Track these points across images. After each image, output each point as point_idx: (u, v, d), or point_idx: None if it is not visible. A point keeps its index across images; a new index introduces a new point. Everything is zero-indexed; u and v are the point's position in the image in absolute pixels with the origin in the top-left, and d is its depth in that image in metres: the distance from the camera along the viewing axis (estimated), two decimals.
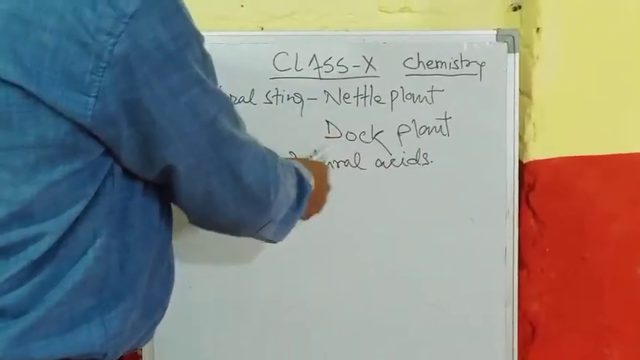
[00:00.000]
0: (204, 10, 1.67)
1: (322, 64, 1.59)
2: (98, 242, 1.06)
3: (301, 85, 1.59)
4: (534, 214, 1.80)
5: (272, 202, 1.20)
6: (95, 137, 1.00)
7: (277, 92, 1.58)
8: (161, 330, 1.55)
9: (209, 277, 1.64)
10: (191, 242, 1.58)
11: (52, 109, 0.96)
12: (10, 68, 0.95)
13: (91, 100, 0.96)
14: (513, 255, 1.69)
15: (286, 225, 1.33)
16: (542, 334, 1.84)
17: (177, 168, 1.07)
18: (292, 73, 1.58)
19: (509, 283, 1.69)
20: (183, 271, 1.55)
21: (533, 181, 1.78)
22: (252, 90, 1.57)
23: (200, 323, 1.65)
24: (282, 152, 1.54)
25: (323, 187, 1.54)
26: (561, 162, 1.79)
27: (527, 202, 1.79)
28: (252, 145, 1.17)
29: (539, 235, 1.81)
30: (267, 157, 1.20)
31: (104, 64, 0.95)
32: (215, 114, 1.07)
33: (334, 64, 1.60)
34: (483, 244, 1.67)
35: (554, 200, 1.80)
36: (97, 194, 1.04)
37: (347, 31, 1.72)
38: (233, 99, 1.56)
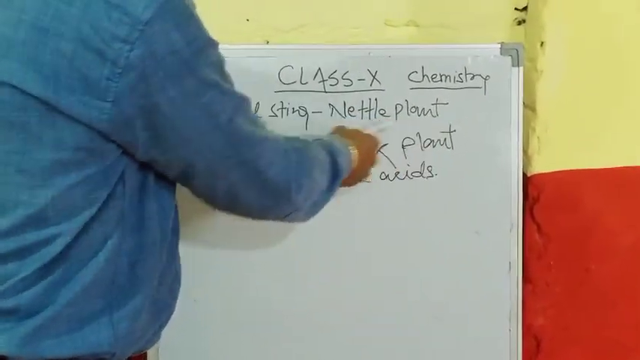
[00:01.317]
0: (209, 23, 1.67)
1: (327, 78, 1.60)
2: (109, 245, 1.08)
3: (306, 98, 1.60)
4: (539, 227, 1.80)
5: (295, 196, 1.21)
6: (111, 141, 1.03)
7: (282, 105, 1.59)
8: (166, 339, 1.56)
9: (214, 288, 1.64)
10: (196, 254, 1.58)
11: (69, 115, 0.99)
12: (29, 77, 0.98)
13: (107, 105, 0.98)
14: (518, 268, 1.69)
15: (316, 207, 1.34)
16: (546, 348, 1.84)
17: (197, 167, 1.10)
18: (297, 86, 1.59)
19: (514, 297, 1.69)
20: (188, 283, 1.56)
21: (538, 194, 1.78)
22: (258, 103, 1.58)
23: (204, 333, 1.65)
24: None
25: (367, 161, 1.52)
26: (565, 175, 1.79)
27: (532, 216, 1.79)
28: (271, 141, 1.18)
29: (544, 248, 1.81)
30: (289, 152, 1.20)
31: (120, 70, 0.97)
32: (231, 114, 1.09)
33: (339, 78, 1.60)
34: (488, 257, 1.68)
35: (559, 214, 1.80)
36: (108, 198, 1.06)
37: (352, 44, 1.72)
38: None
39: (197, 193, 1.18)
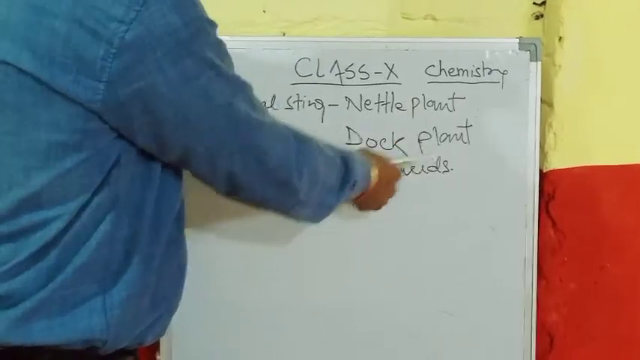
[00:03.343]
0: (226, 15, 1.67)
1: (344, 71, 1.59)
2: (102, 230, 1.07)
3: (322, 91, 1.59)
4: (554, 223, 1.79)
5: (297, 185, 1.20)
6: (105, 123, 1.02)
7: (298, 98, 1.59)
8: (178, 335, 1.56)
9: (225, 281, 1.64)
10: (206, 245, 1.58)
11: (64, 95, 0.98)
12: (24, 56, 0.98)
13: (102, 85, 0.98)
14: (533, 265, 1.68)
15: (324, 209, 1.32)
16: (560, 345, 1.83)
17: (197, 151, 1.09)
18: (314, 79, 1.59)
19: (528, 292, 1.68)
20: (197, 275, 1.56)
21: (553, 190, 1.77)
22: (274, 95, 1.57)
23: (216, 327, 1.65)
24: None
25: (385, 188, 1.51)
26: (581, 172, 1.78)
27: (547, 212, 1.78)
28: (272, 127, 1.16)
29: (559, 245, 1.80)
30: (290, 140, 1.19)
31: (114, 51, 0.97)
32: (230, 97, 1.08)
33: (356, 71, 1.60)
34: (503, 253, 1.67)
35: (574, 210, 1.79)
36: (102, 183, 1.06)
37: (369, 37, 1.71)
38: None
39: (198, 178, 1.17)
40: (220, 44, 1.09)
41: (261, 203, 1.25)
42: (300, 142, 1.22)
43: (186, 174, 1.19)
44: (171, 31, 0.99)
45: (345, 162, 1.32)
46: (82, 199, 1.05)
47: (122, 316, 1.11)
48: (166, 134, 1.06)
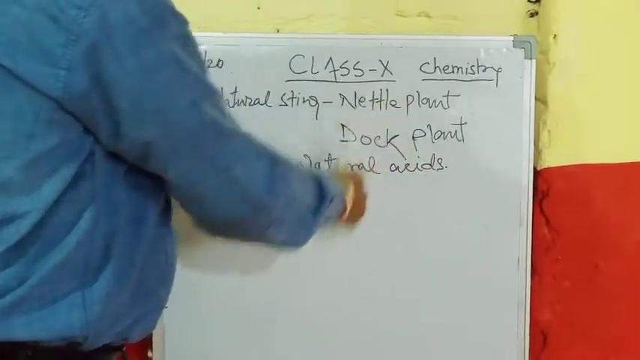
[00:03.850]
0: (220, 12, 1.68)
1: (338, 68, 1.59)
2: (82, 225, 1.06)
3: (317, 87, 1.59)
4: (547, 221, 1.79)
5: (268, 203, 1.16)
6: (69, 113, 1.01)
7: (293, 95, 1.58)
8: (170, 332, 1.56)
9: (218, 277, 1.64)
10: (199, 241, 1.57)
11: (27, 83, 0.98)
12: None
13: (62, 72, 0.98)
14: (527, 263, 1.68)
15: (302, 228, 1.31)
16: (553, 343, 1.83)
17: (156, 150, 1.05)
18: (308, 75, 1.59)
19: (522, 291, 1.68)
20: (190, 272, 1.57)
21: (547, 188, 1.77)
22: (268, 92, 1.57)
23: (209, 324, 1.65)
24: (297, 155, 1.55)
25: (362, 197, 1.55)
26: (575, 170, 1.78)
27: (541, 210, 1.78)
28: (243, 137, 1.13)
29: (552, 242, 1.80)
30: (262, 155, 1.16)
31: (74, 37, 0.97)
32: (196, 97, 1.06)
33: (350, 68, 1.60)
34: (496, 251, 1.66)
35: (568, 208, 1.79)
36: (76, 178, 1.05)
37: (364, 34, 1.71)
38: (249, 100, 1.56)
39: (167, 191, 1.14)
40: (189, 41, 1.07)
41: (231, 223, 1.18)
42: (273, 159, 1.18)
43: None
44: (130, 20, 0.98)
45: (318, 180, 1.31)
46: (54, 191, 1.04)
47: (103, 312, 1.10)
48: (124, 127, 1.03)
